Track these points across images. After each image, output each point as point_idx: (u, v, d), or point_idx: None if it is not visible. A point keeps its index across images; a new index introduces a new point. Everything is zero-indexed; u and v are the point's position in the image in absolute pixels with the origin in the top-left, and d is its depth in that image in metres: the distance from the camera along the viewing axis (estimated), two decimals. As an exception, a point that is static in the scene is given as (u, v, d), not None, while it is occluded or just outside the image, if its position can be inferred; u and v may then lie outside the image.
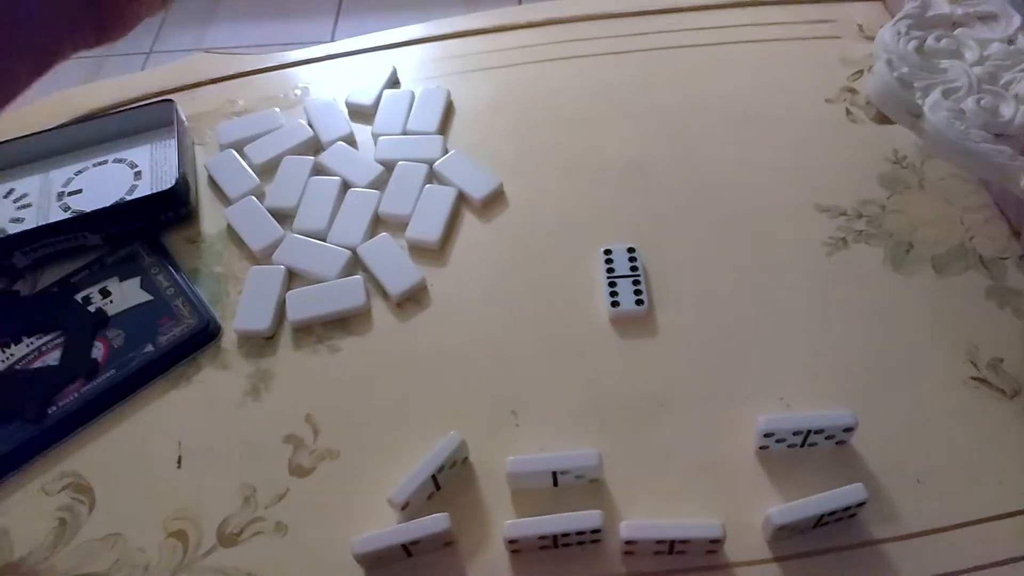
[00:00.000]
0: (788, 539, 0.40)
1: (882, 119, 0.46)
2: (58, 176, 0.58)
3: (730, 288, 0.50)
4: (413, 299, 0.51)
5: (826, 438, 0.42)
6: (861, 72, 0.63)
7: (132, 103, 0.65)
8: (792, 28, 0.67)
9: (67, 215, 0.55)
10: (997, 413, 0.44)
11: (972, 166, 0.41)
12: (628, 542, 0.39)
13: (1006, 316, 0.48)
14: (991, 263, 0.50)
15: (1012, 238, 0.51)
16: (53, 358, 0.49)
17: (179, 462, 0.45)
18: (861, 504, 0.39)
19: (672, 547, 0.39)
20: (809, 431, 0.42)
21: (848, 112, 0.60)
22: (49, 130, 0.60)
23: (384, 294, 0.51)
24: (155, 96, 0.65)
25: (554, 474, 0.41)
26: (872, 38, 0.65)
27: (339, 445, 0.45)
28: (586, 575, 0.40)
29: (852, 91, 0.61)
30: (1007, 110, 0.42)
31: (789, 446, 0.43)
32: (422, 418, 0.46)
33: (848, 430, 0.42)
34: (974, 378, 0.45)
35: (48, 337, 0.50)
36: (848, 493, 0.39)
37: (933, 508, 0.41)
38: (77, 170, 0.59)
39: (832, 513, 0.39)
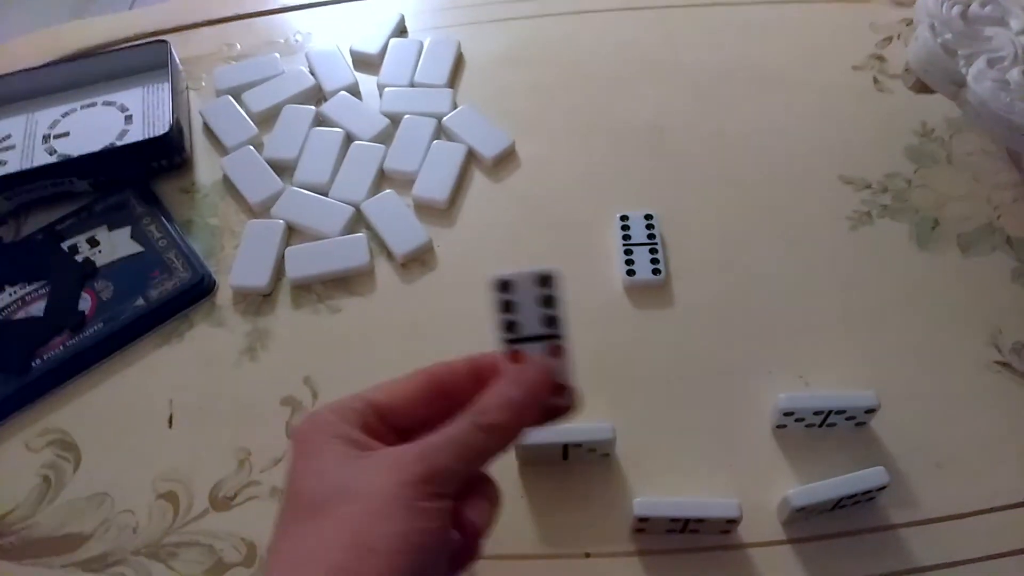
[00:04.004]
0: (804, 521, 0.39)
1: (921, 88, 0.44)
2: (43, 117, 0.55)
3: (750, 260, 0.48)
4: (418, 260, 0.49)
5: (846, 419, 0.41)
6: (890, 39, 0.60)
7: (123, 43, 0.61)
8: (821, -10, 0.64)
9: (53, 159, 0.52)
10: (1020, 398, 0.43)
11: (1016, 140, 0.39)
12: (641, 519, 0.37)
13: (1032, 299, 0.46)
14: (1018, 244, 0.49)
15: (1040, 219, 0.50)
16: (37, 309, 0.46)
17: (170, 421, 0.43)
18: (881, 488, 0.38)
19: (686, 526, 0.38)
20: (829, 411, 0.40)
21: (875, 80, 0.57)
22: (34, 68, 0.57)
23: (388, 253, 0.49)
24: (147, 37, 0.61)
25: (565, 447, 0.40)
26: (903, 4, 0.63)
27: (339, 409, 0.43)
28: (594, 552, 0.38)
29: (880, 59, 0.59)
30: (1055, 82, 0.40)
31: (807, 426, 0.41)
32: (426, 384, 0.44)
33: (869, 411, 0.40)
34: (997, 362, 0.44)
35: (32, 287, 0.47)
36: (869, 476, 0.37)
37: (952, 494, 0.39)
38: (64, 112, 0.55)
39: (851, 496, 0.37)
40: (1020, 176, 0.51)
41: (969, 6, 0.44)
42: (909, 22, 0.61)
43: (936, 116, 0.55)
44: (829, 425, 0.41)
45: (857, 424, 0.41)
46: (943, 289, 0.47)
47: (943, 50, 0.41)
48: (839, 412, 0.40)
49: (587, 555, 0.38)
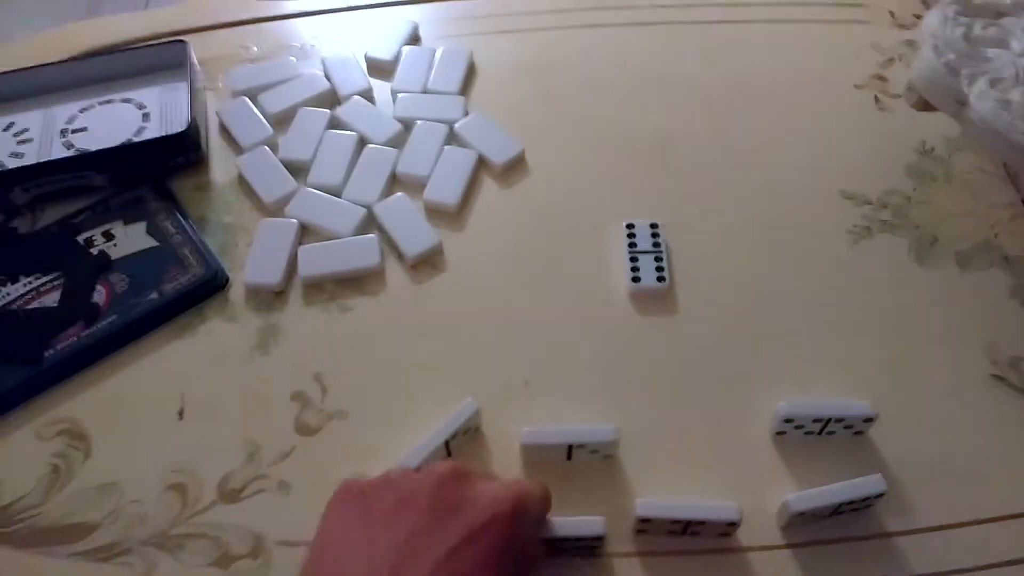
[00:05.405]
0: (802, 526, 0.39)
1: (923, 106, 0.45)
2: (61, 112, 0.56)
3: (753, 270, 0.49)
4: (428, 262, 0.50)
5: (844, 427, 0.42)
6: (892, 60, 0.62)
7: (139, 42, 0.62)
8: (825, 10, 0.65)
9: (70, 153, 0.53)
10: (1016, 412, 0.43)
11: (1017, 158, 0.40)
12: (642, 520, 0.38)
13: (1027, 316, 0.47)
14: (1015, 261, 0.50)
15: (1037, 237, 0.51)
16: (52, 299, 0.47)
17: (181, 414, 0.44)
18: (879, 495, 0.38)
19: (686, 528, 0.38)
20: (829, 419, 0.41)
21: (877, 100, 0.59)
22: (53, 64, 0.58)
23: (399, 255, 0.50)
24: (164, 36, 0.62)
25: (569, 448, 0.40)
26: (904, 26, 0.64)
27: (347, 406, 0.44)
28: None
29: (882, 78, 0.60)
30: (1054, 104, 0.41)
31: (807, 433, 0.42)
32: (432, 383, 0.45)
33: (868, 420, 0.41)
34: (994, 375, 0.45)
35: (47, 278, 0.48)
36: (867, 484, 0.38)
37: (949, 503, 0.40)
38: (82, 107, 0.56)
39: (850, 503, 0.38)
40: (1018, 195, 0.52)
41: (972, 27, 0.46)
42: (910, 43, 0.62)
43: (935, 135, 0.56)
44: (828, 433, 0.42)
45: (855, 433, 0.42)
46: (941, 303, 0.48)
47: (946, 69, 0.43)
48: (838, 420, 0.41)
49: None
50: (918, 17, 0.64)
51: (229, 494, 0.41)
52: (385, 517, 0.33)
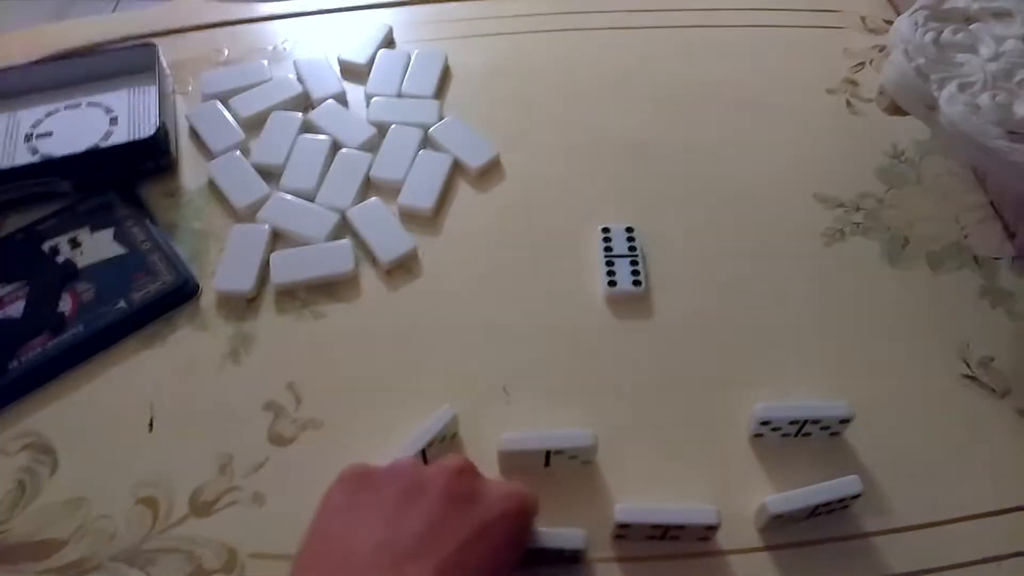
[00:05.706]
0: (780, 528, 0.40)
1: (894, 110, 0.46)
2: (26, 117, 0.55)
3: (728, 274, 0.50)
4: (403, 267, 0.49)
5: (821, 428, 0.42)
6: (863, 64, 0.62)
7: (108, 45, 0.61)
8: (797, 15, 0.66)
9: (35, 158, 0.52)
10: (988, 411, 0.44)
11: (986, 162, 0.41)
12: (621, 525, 0.38)
13: (998, 316, 0.48)
14: (984, 263, 0.50)
15: (1006, 239, 0.51)
16: (16, 310, 0.46)
17: (151, 425, 0.43)
18: (855, 496, 0.39)
19: (665, 532, 0.38)
20: (805, 421, 0.41)
21: (849, 104, 0.59)
22: (17, 67, 0.56)
23: (373, 260, 0.49)
24: (133, 39, 0.61)
25: (547, 454, 0.40)
26: (875, 31, 0.65)
27: (322, 415, 0.43)
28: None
29: (853, 83, 0.61)
30: (1021, 108, 0.42)
31: (783, 435, 0.42)
32: (409, 390, 0.44)
33: (844, 422, 0.42)
34: (965, 375, 0.45)
35: (11, 287, 0.47)
36: (844, 485, 0.38)
37: (924, 502, 0.41)
38: (47, 112, 0.55)
39: (827, 504, 0.38)
40: (986, 197, 0.53)
41: (942, 33, 0.46)
42: (881, 48, 0.63)
43: (906, 139, 0.57)
44: (804, 435, 0.42)
45: (832, 434, 0.42)
46: (913, 305, 0.48)
47: (916, 74, 0.43)
48: (814, 422, 0.41)
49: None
50: (889, 22, 0.65)
51: (201, 507, 0.40)
52: (398, 504, 0.33)
